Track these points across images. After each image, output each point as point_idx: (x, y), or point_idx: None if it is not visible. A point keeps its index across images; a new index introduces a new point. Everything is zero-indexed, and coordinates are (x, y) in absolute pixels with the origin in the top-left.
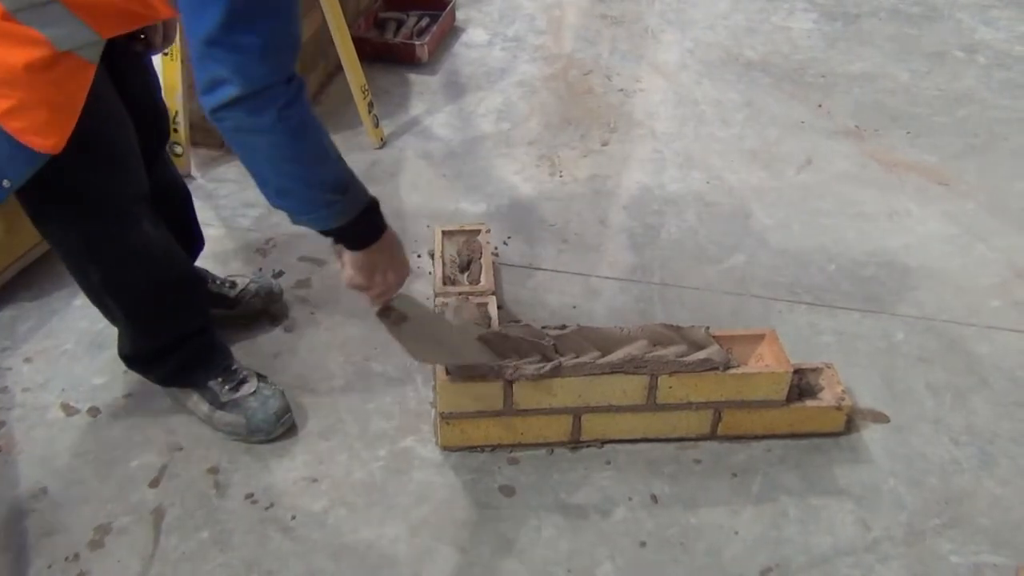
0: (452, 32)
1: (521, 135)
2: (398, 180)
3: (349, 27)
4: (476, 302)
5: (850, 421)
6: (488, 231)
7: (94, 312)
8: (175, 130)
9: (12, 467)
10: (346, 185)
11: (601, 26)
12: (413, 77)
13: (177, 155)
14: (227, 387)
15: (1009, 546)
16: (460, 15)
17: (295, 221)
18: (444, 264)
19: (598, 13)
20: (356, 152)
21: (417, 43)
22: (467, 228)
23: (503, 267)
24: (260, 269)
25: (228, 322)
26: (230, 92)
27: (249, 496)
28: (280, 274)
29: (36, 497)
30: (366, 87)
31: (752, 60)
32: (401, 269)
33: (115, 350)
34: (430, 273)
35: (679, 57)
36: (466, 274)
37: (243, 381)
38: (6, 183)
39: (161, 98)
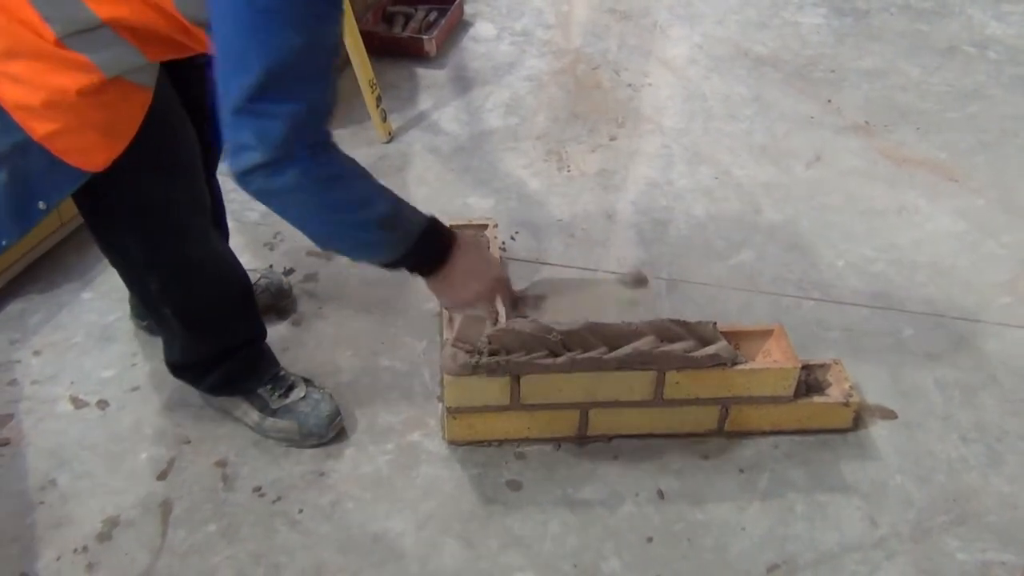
0: (460, 26)
1: (529, 130)
2: (406, 175)
3: (357, 21)
4: None
5: (858, 417)
6: (496, 226)
7: (103, 305)
8: None
9: (21, 459)
10: (393, 220)
11: (610, 21)
12: (421, 71)
13: None
14: (276, 394)
15: (1017, 544)
16: (468, 9)
17: (354, 260)
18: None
19: (606, 8)
20: (364, 147)
21: (425, 37)
22: (475, 222)
23: (511, 261)
24: (271, 266)
25: None
26: (253, 158)
27: (257, 489)
28: (291, 271)
29: (45, 489)
30: (374, 81)
31: (761, 55)
32: (487, 273)
33: (124, 343)
34: None
35: (688, 52)
36: None
37: (292, 387)
38: (41, 205)
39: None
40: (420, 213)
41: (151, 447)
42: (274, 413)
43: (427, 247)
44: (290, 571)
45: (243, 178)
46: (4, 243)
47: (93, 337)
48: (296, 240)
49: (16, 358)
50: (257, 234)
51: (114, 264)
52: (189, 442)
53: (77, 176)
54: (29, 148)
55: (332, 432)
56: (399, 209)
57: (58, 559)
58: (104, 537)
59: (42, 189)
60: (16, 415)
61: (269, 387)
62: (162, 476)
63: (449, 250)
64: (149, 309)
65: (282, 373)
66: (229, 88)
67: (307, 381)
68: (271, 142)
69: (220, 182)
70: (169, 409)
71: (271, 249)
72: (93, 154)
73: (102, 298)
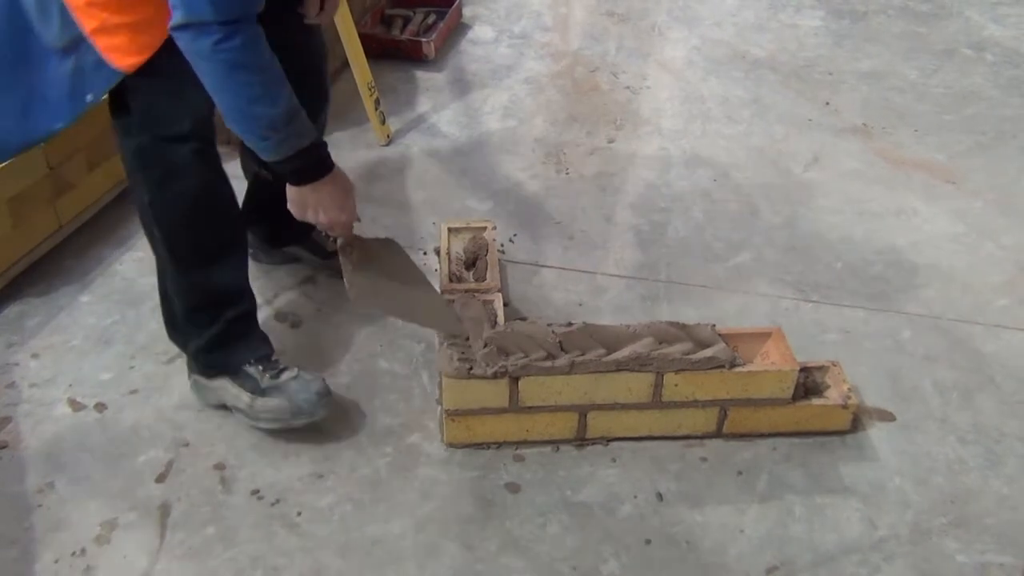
0: (459, 29)
1: (527, 132)
2: (404, 177)
3: (356, 24)
4: (482, 299)
5: (856, 419)
6: (494, 228)
7: (101, 308)
8: None
9: (19, 462)
10: (279, 126)
11: (608, 23)
12: (419, 74)
13: None
14: (268, 375)
15: (1015, 545)
16: (467, 12)
17: (250, 147)
18: (450, 261)
19: (605, 10)
20: (362, 149)
21: (424, 40)
22: (473, 225)
23: (509, 264)
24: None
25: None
26: (176, 17)
27: (255, 492)
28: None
29: (43, 492)
30: (372, 84)
31: (759, 57)
32: (335, 214)
33: (122, 346)
34: (436, 270)
35: (686, 54)
36: (472, 271)
37: (284, 370)
38: (89, 97)
39: (323, 63)
40: (313, 132)
41: (149, 450)
42: (264, 393)
43: (302, 164)
44: (289, 573)
45: (173, 30)
46: (58, 126)
47: (91, 340)
48: None
49: (14, 361)
50: None
51: (124, 170)
52: (187, 445)
53: (114, 75)
54: (83, 42)
55: (322, 410)
56: (290, 123)
57: (56, 562)
58: (102, 540)
59: (92, 82)
60: (14, 418)
61: (260, 367)
62: (160, 479)
63: (321, 176)
64: (145, 230)
65: (275, 358)
66: None
67: (299, 368)
68: (193, 6)
69: None
70: (167, 412)
71: None
72: (125, 55)
73: (100, 301)
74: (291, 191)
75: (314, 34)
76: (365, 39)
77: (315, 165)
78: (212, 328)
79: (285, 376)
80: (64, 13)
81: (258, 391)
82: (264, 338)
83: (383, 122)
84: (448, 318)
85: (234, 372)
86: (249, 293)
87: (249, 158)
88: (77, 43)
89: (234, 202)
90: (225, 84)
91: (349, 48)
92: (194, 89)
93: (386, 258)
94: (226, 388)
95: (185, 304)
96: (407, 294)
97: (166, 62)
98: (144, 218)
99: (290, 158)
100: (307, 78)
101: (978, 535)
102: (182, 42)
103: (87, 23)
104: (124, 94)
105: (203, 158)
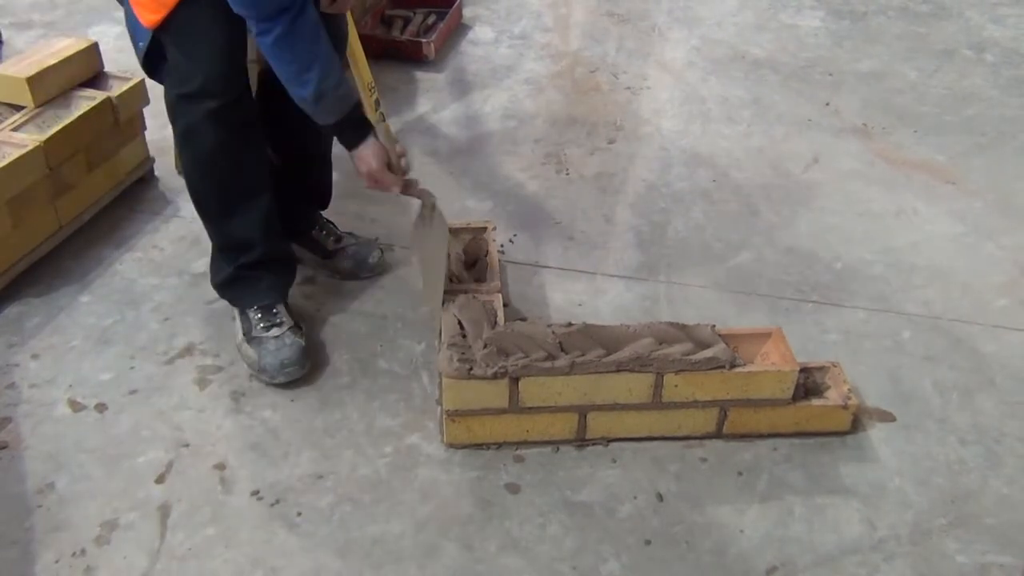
0: (459, 30)
1: (527, 133)
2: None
3: (356, 24)
4: (482, 299)
5: (856, 420)
6: (494, 229)
7: (101, 308)
8: None
9: (19, 463)
10: (325, 94)
11: (608, 24)
12: (419, 74)
13: None
14: (261, 324)
15: (1015, 546)
16: (467, 12)
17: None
18: (450, 261)
19: (605, 11)
20: None
21: (424, 40)
22: (473, 225)
23: (509, 265)
24: (377, 238)
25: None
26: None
27: (255, 492)
28: (389, 248)
29: (43, 493)
30: (373, 84)
31: (759, 58)
32: (388, 158)
33: (122, 346)
34: None
35: (686, 55)
36: (472, 271)
37: (276, 324)
38: (141, 44)
39: (341, 48)
40: (356, 106)
41: (149, 450)
42: (249, 340)
43: (352, 124)
44: (288, 574)
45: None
46: (141, 45)
47: (91, 340)
48: None
49: (14, 361)
50: None
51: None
52: (187, 445)
53: (145, 32)
54: None
55: (282, 378)
56: (339, 86)
57: (56, 562)
58: (102, 540)
59: (137, 35)
60: (14, 418)
61: (259, 315)
62: (160, 479)
63: (368, 132)
64: (185, 177)
65: (276, 309)
66: None
67: (297, 328)
68: (234, 3)
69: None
70: (167, 412)
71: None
72: (149, 11)
73: (100, 301)
74: (358, 154)
75: (332, 22)
76: (365, 40)
77: (364, 121)
78: (226, 269)
79: (271, 332)
80: None
81: (248, 336)
82: (275, 287)
83: (383, 122)
84: (434, 298)
85: (240, 311)
86: (261, 244)
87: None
88: None
89: (254, 161)
90: (279, 60)
91: (350, 48)
92: (206, 48)
93: (437, 218)
94: (235, 318)
95: (213, 244)
96: (433, 263)
97: (183, 20)
98: (182, 170)
99: (344, 120)
100: None
101: (978, 535)
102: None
103: None
104: (156, 51)
105: (217, 118)
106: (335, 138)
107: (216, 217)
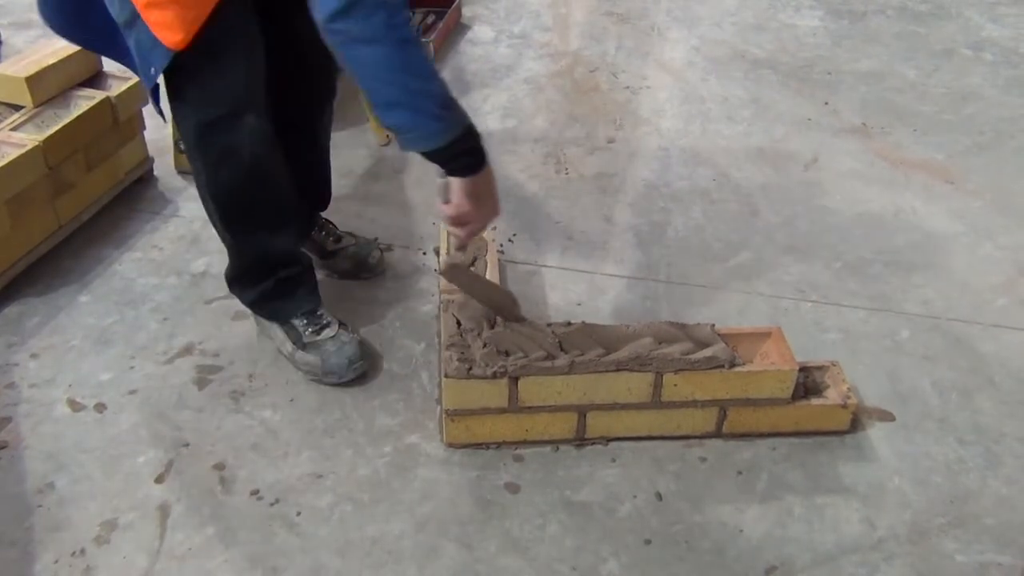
0: (458, 29)
1: (527, 132)
2: (403, 177)
3: None
4: None
5: (855, 419)
6: (494, 228)
7: (100, 308)
8: None
9: (19, 463)
10: (450, 103)
11: (607, 23)
12: None
13: (183, 151)
14: (310, 329)
15: (1015, 546)
16: (466, 12)
17: (404, 142)
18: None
19: (604, 10)
20: (362, 149)
21: (423, 40)
22: None
23: (508, 264)
24: (377, 238)
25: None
26: (331, 5)
27: (255, 492)
28: (388, 248)
29: (42, 492)
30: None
31: (759, 57)
32: (497, 203)
33: (121, 346)
34: (436, 270)
35: (685, 54)
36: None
37: (325, 326)
38: (153, 70)
39: (332, 58)
40: (467, 116)
41: (149, 450)
42: (304, 347)
43: (471, 145)
44: (288, 574)
45: (330, 22)
46: (154, 70)
47: (91, 340)
48: None
49: (14, 361)
50: None
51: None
52: (187, 445)
53: (166, 54)
54: (138, 19)
55: (351, 374)
56: (454, 100)
57: (56, 562)
58: (102, 540)
59: (151, 58)
60: (14, 418)
61: (304, 321)
62: (160, 479)
63: (486, 158)
64: (205, 206)
65: (320, 312)
66: None
67: (343, 324)
68: None
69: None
70: (167, 412)
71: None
72: (173, 31)
73: (99, 301)
74: (465, 185)
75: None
76: None
77: (481, 146)
78: (263, 284)
79: (324, 334)
80: None
81: (299, 343)
82: (312, 291)
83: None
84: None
85: (283, 322)
86: (299, 255)
87: None
88: (134, 19)
89: (284, 172)
90: (399, 63)
91: None
92: (243, 61)
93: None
94: (276, 332)
95: (239, 263)
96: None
97: (211, 40)
98: (200, 191)
99: (462, 138)
100: (314, 72)
101: (977, 535)
102: (340, 35)
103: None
104: (176, 74)
105: (255, 133)
106: (460, 165)
107: (251, 237)
